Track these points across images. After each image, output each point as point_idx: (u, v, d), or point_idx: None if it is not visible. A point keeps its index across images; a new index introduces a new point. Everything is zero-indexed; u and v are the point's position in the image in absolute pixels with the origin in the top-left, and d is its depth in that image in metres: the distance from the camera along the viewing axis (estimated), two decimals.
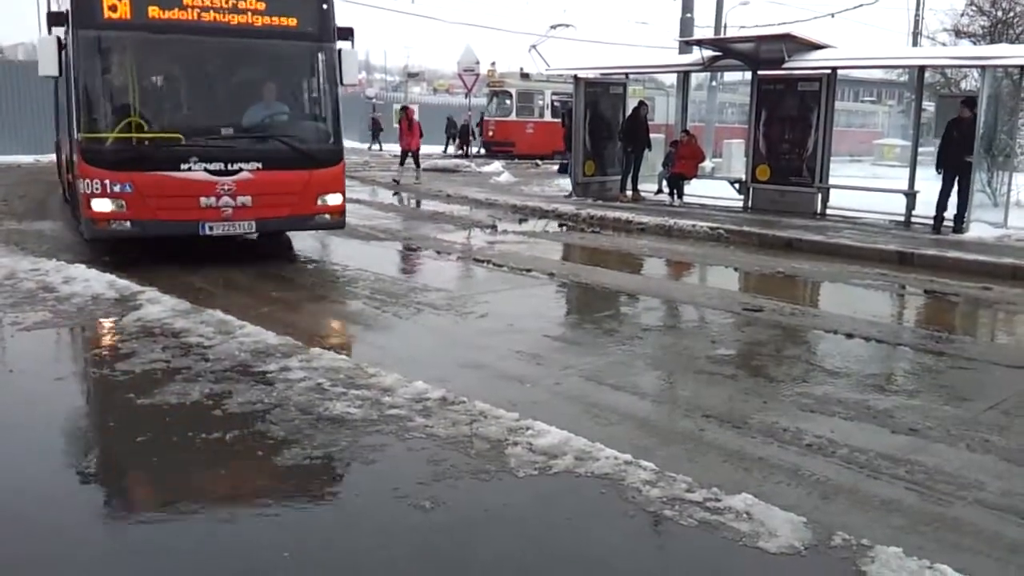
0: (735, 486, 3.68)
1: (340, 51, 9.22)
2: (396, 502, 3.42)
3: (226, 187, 8.66)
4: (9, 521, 3.30)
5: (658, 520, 3.34)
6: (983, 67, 12.50)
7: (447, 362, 5.88)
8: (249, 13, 8.73)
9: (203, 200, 8.60)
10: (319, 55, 9.21)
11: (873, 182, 17.29)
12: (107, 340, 5.85)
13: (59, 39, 8.38)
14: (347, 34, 9.37)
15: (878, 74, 41.72)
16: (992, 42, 21.17)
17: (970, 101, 12.46)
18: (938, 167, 12.50)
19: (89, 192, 8.37)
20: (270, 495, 3.56)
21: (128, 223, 8.48)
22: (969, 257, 10.31)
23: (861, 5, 27.46)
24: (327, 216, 9.46)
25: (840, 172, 16.20)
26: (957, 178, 12.14)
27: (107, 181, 8.33)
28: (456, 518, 3.34)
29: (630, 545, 3.23)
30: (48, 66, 8.36)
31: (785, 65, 14.07)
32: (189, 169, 8.52)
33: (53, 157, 16.28)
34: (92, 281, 7.27)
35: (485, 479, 3.64)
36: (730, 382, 5.59)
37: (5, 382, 5.02)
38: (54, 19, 8.64)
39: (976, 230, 12.10)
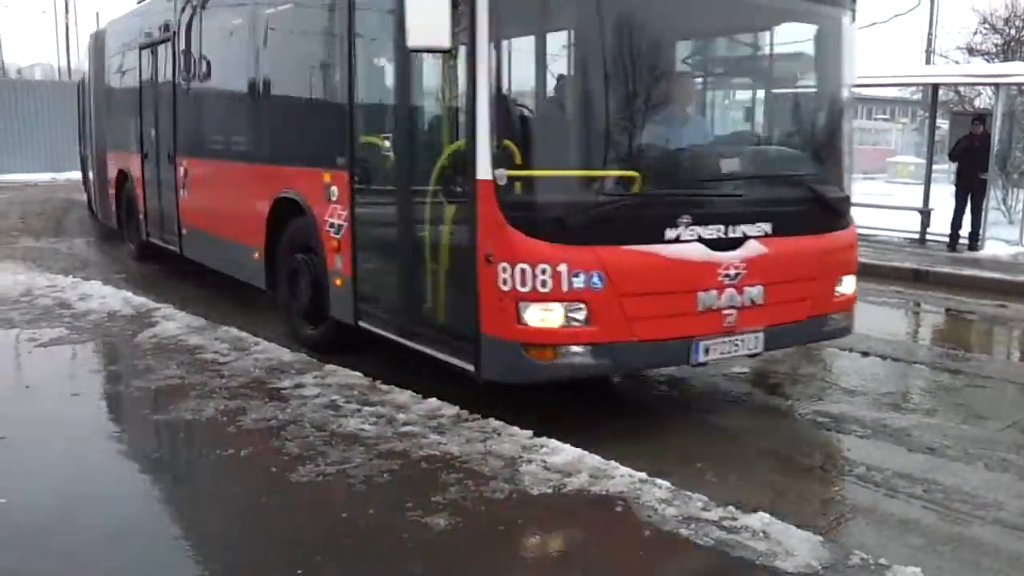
0: (751, 505, 3.66)
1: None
2: (409, 519, 3.41)
3: (732, 272, 4.64)
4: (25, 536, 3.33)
5: (674, 539, 3.32)
6: (997, 85, 12.51)
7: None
8: None
9: (701, 298, 4.57)
10: (832, 32, 5.37)
11: (887, 199, 17.20)
12: (123, 357, 5.89)
13: None
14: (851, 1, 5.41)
15: (891, 92, 41.68)
16: (1005, 60, 21.13)
17: (981, 118, 12.45)
18: (951, 157, 12.73)
19: (525, 290, 4.26)
20: (282, 511, 3.56)
21: (589, 351, 4.37)
22: (984, 275, 10.25)
23: (874, 24, 27.46)
24: (838, 316, 5.53)
25: (854, 189, 16.13)
26: (971, 195, 12.11)
27: (563, 268, 4.25)
28: (470, 536, 3.33)
29: (646, 565, 3.21)
30: (432, 32, 4.14)
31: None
32: (677, 239, 4.52)
33: (70, 175, 16.38)
34: (108, 298, 7.32)
35: (500, 496, 3.63)
36: (745, 400, 5.56)
37: (22, 398, 5.06)
38: None
39: (991, 248, 12.04)
